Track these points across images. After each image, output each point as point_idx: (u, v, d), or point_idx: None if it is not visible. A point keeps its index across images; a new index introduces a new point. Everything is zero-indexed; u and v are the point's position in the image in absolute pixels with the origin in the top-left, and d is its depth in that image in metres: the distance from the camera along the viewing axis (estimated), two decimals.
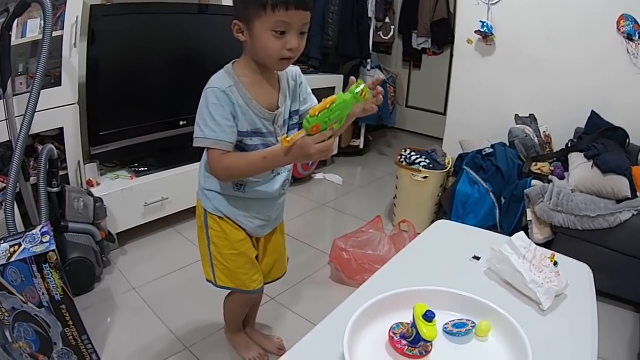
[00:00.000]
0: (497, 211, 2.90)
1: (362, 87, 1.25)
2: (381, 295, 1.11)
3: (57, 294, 1.83)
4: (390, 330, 1.06)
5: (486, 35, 3.44)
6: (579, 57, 3.18)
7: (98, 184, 2.88)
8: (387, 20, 5.17)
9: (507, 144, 3.19)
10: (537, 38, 3.32)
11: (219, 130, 1.44)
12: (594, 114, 3.08)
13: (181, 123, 3.22)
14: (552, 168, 2.96)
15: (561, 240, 2.66)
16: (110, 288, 2.60)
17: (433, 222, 1.79)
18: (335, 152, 4.84)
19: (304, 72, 4.56)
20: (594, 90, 3.15)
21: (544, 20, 3.26)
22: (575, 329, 1.15)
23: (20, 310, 1.81)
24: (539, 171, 2.95)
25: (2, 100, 2.34)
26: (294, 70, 1.68)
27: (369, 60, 4.76)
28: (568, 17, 3.17)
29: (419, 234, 2.29)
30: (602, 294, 2.47)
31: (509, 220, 2.86)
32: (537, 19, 3.29)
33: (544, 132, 3.26)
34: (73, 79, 2.63)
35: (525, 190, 2.76)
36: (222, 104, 1.43)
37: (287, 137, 1.32)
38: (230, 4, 1.62)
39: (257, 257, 1.83)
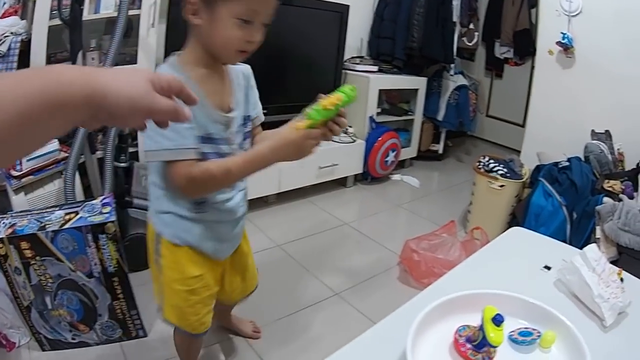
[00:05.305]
0: (569, 226, 2.88)
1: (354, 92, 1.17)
2: (451, 295, 1.09)
3: (110, 266, 1.81)
4: (456, 332, 1.04)
5: (567, 47, 3.39)
6: None
7: None
8: (471, 26, 5.14)
9: (582, 159, 3.16)
10: (615, 52, 3.23)
11: (177, 137, 1.18)
12: None
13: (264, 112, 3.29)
14: (623, 187, 2.91)
15: (625, 261, 2.60)
16: None
17: (504, 231, 1.78)
18: (415, 154, 4.86)
19: (388, 72, 4.51)
20: None
21: (623, 34, 3.17)
22: (635, 348, 1.12)
23: (66, 277, 1.80)
24: (610, 189, 2.91)
25: None
26: (245, 69, 1.45)
27: (452, 65, 4.79)
28: None
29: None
30: None
31: (578, 236, 2.83)
32: (616, 32, 3.20)
33: (618, 149, 3.20)
34: (149, 58, 2.68)
35: (596, 207, 2.73)
36: None
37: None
38: None
39: (222, 281, 1.65)
